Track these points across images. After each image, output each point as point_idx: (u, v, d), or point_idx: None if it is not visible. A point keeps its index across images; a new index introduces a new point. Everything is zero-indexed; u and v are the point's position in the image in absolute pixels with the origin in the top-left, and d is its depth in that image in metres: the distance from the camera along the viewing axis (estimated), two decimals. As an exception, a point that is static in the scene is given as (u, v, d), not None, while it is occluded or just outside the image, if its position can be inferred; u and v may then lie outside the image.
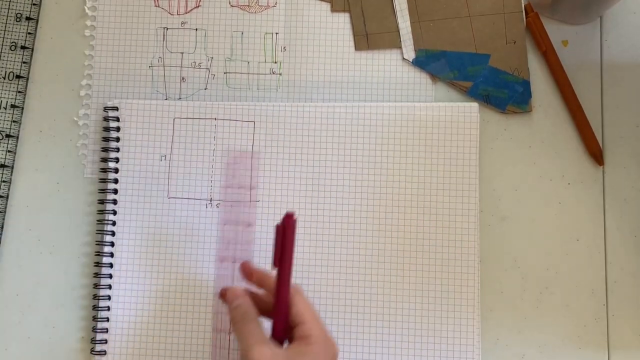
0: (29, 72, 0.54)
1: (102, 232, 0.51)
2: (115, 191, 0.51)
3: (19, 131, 0.53)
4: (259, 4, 0.54)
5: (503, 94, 0.52)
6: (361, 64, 0.53)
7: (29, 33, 0.54)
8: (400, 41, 0.53)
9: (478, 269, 0.50)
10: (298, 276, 0.50)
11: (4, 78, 0.54)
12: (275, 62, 0.53)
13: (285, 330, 0.41)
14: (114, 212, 0.51)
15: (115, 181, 0.51)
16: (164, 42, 0.54)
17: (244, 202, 0.48)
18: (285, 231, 0.40)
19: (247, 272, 0.45)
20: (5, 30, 0.54)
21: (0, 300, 0.52)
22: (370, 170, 0.51)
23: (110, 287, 0.50)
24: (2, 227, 0.52)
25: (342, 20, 0.53)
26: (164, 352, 0.50)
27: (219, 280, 0.48)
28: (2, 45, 0.54)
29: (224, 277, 0.48)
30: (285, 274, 0.40)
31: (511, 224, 0.51)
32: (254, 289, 0.45)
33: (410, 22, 0.53)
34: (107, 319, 0.50)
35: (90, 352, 0.50)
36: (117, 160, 0.52)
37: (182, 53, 0.53)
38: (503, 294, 0.50)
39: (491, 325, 0.50)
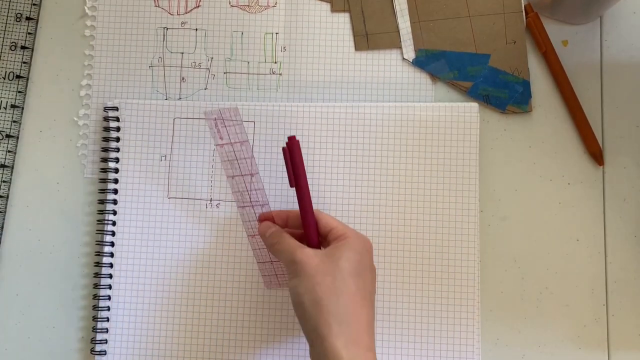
0: (29, 72, 0.54)
1: (102, 232, 0.51)
2: (115, 191, 0.51)
3: (19, 131, 0.53)
4: (259, 4, 0.54)
5: (503, 94, 0.52)
6: (361, 64, 0.53)
7: (29, 33, 0.54)
8: (400, 41, 0.53)
9: (478, 269, 0.50)
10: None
11: (4, 78, 0.54)
12: (275, 62, 0.53)
13: (318, 242, 0.44)
14: (114, 212, 0.51)
15: (115, 181, 0.52)
16: (164, 42, 0.54)
17: (242, 157, 0.48)
18: (292, 151, 0.44)
19: (269, 219, 0.47)
20: (5, 30, 0.54)
21: (0, 300, 0.52)
22: (370, 170, 0.51)
23: (110, 287, 0.50)
24: (2, 227, 0.52)
25: (342, 20, 0.53)
26: (164, 352, 0.50)
27: (246, 225, 0.49)
28: (2, 45, 0.54)
29: (250, 221, 0.49)
30: (304, 189, 0.44)
31: (511, 224, 0.51)
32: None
33: (410, 22, 0.53)
34: (107, 319, 0.50)
35: (90, 352, 0.50)
36: (117, 160, 0.52)
37: (182, 53, 0.53)
38: (503, 294, 0.50)
39: (491, 325, 0.50)
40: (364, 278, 0.41)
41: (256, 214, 0.48)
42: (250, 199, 0.48)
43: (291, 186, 0.44)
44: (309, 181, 0.51)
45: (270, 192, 0.51)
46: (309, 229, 0.44)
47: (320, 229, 0.44)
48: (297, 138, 0.51)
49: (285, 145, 0.44)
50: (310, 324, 0.39)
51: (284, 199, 0.51)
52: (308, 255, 0.41)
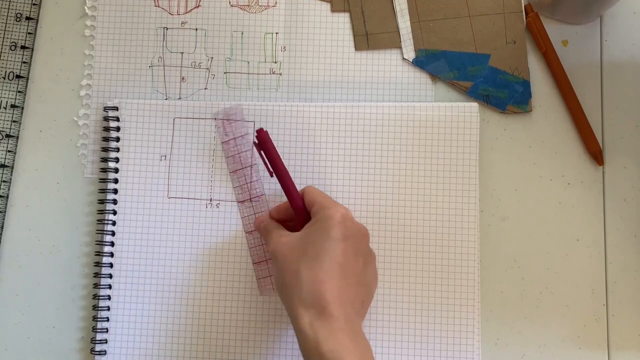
0: (29, 72, 0.54)
1: (102, 232, 0.51)
2: (115, 191, 0.51)
3: (19, 131, 0.53)
4: (259, 4, 0.54)
5: (503, 94, 0.52)
6: (361, 64, 0.53)
7: (29, 33, 0.54)
8: (400, 41, 0.53)
9: (478, 269, 0.50)
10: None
11: (4, 78, 0.54)
12: (275, 62, 0.53)
13: (307, 221, 0.45)
14: (114, 212, 0.51)
15: (115, 181, 0.52)
16: (164, 42, 0.54)
17: (244, 150, 0.51)
18: (264, 143, 0.46)
19: (274, 214, 0.49)
20: (5, 30, 0.54)
21: (0, 300, 0.52)
22: (370, 171, 0.51)
23: (110, 287, 0.50)
24: (2, 227, 0.52)
25: (342, 20, 0.53)
26: (164, 351, 0.50)
27: (245, 219, 0.51)
28: (2, 45, 0.54)
29: (248, 216, 0.51)
30: (284, 175, 0.46)
31: (511, 224, 0.51)
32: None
33: (410, 22, 0.53)
34: (107, 319, 0.50)
35: (90, 352, 0.50)
36: (117, 160, 0.52)
37: (182, 53, 0.53)
38: (503, 294, 0.50)
39: (491, 325, 0.50)
40: (330, 251, 0.41)
41: (254, 207, 0.50)
42: (249, 191, 0.50)
43: (270, 176, 0.46)
44: (310, 181, 0.51)
45: (271, 191, 0.51)
46: (297, 211, 0.46)
47: (307, 207, 0.46)
48: (295, 137, 0.51)
49: (255, 140, 0.46)
50: (286, 308, 0.42)
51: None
52: (278, 244, 0.44)
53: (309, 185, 0.47)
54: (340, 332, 0.39)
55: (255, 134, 0.46)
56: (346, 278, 0.42)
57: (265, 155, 0.46)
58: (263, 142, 0.46)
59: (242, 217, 0.50)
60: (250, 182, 0.50)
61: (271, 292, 0.50)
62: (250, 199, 0.50)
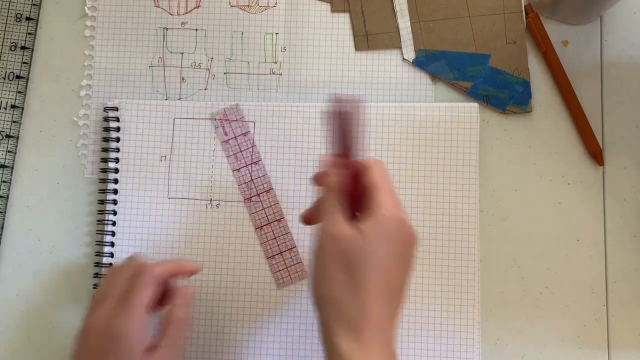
0: (29, 72, 0.54)
1: (102, 232, 0.51)
2: (115, 191, 0.51)
3: (19, 131, 0.53)
4: (259, 4, 0.54)
5: (503, 94, 0.52)
6: (361, 64, 0.53)
7: (29, 33, 0.54)
8: (400, 41, 0.53)
9: (478, 269, 0.50)
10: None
11: (4, 78, 0.54)
12: (275, 62, 0.53)
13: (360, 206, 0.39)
14: (114, 212, 0.51)
15: (115, 181, 0.52)
16: (164, 42, 0.54)
17: (246, 148, 0.51)
18: (346, 115, 0.38)
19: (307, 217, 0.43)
20: (5, 30, 0.54)
21: (0, 300, 0.52)
22: (370, 170, 0.51)
23: (110, 287, 0.50)
24: (2, 227, 0.52)
25: (342, 20, 0.53)
26: (164, 352, 0.50)
27: (254, 215, 0.50)
28: (2, 45, 0.54)
29: (257, 212, 0.50)
30: (350, 160, 0.39)
31: (511, 224, 0.51)
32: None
33: (410, 22, 0.53)
34: (107, 319, 0.50)
35: (90, 352, 0.50)
36: (117, 160, 0.52)
37: (182, 53, 0.53)
38: (503, 294, 0.50)
39: (491, 325, 0.50)
40: (381, 267, 0.37)
41: (262, 202, 0.50)
42: (255, 187, 0.50)
43: (338, 152, 0.39)
44: (309, 179, 0.51)
45: (278, 185, 0.51)
46: (353, 195, 0.39)
47: (366, 188, 0.39)
48: (295, 137, 0.51)
49: (333, 109, 0.39)
50: (318, 313, 0.38)
51: (286, 195, 0.51)
52: (329, 235, 0.37)
53: (377, 160, 0.40)
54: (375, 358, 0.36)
55: (335, 100, 0.39)
56: (392, 298, 0.38)
57: (344, 129, 0.38)
58: (343, 114, 0.38)
59: (250, 214, 0.50)
60: (259, 177, 0.50)
61: (289, 282, 0.50)
62: (258, 193, 0.50)
